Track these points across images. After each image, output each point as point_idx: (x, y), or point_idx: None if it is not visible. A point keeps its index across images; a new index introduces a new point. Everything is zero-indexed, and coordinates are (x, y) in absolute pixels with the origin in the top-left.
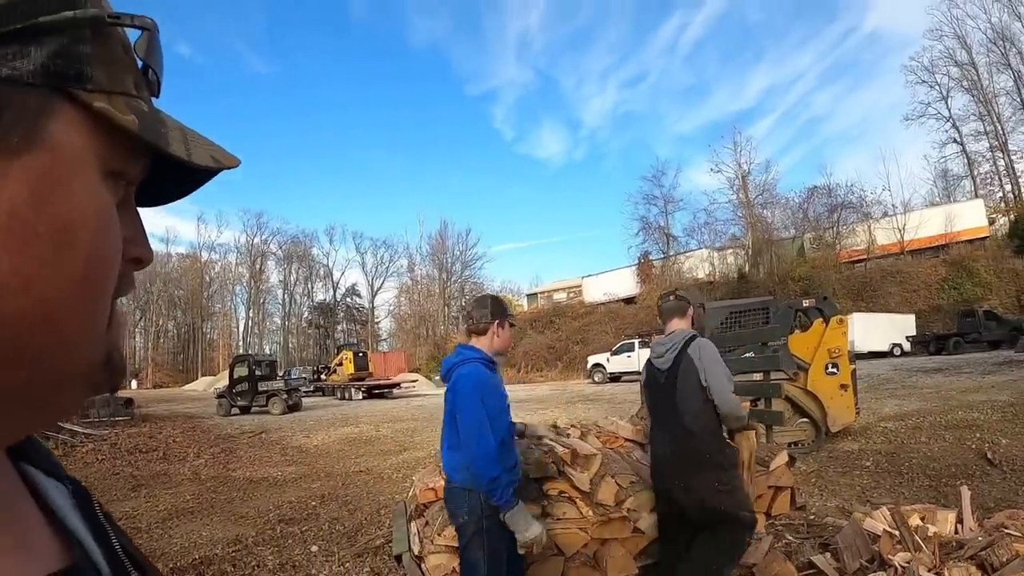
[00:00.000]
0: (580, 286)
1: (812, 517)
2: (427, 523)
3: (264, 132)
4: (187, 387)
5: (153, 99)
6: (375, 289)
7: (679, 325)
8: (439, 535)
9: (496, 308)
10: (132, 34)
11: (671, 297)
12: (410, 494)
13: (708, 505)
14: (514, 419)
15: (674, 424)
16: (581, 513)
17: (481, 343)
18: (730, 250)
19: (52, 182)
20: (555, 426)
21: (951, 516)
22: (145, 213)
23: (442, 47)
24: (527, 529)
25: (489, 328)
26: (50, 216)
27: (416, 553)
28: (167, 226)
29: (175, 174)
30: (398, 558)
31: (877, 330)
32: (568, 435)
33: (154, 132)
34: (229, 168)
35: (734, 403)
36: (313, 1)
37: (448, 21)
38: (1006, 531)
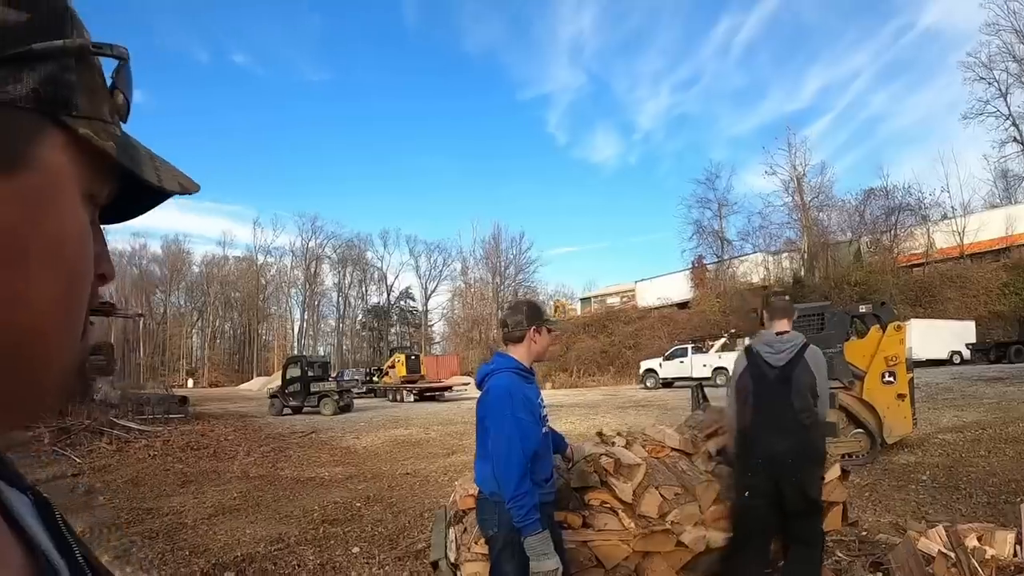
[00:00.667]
0: (633, 290)
1: (864, 533)
2: (465, 530)
3: (319, 138)
4: (242, 387)
5: (122, 124)
6: (428, 292)
7: (787, 327)
8: (476, 543)
9: (531, 314)
10: (107, 64)
11: (786, 297)
12: (451, 499)
13: (811, 496)
14: (564, 427)
15: (788, 418)
16: (623, 525)
17: (517, 351)
18: (785, 254)
19: (44, 202)
20: (600, 434)
21: (1010, 537)
22: (199, 215)
23: (495, 53)
24: (543, 559)
25: (525, 335)
26: (41, 234)
27: (452, 560)
28: (223, 229)
29: (136, 196)
30: (435, 564)
31: (935, 337)
32: (613, 443)
33: (130, 158)
34: (191, 193)
35: (830, 412)
36: (367, 10)
37: (500, 27)
38: None
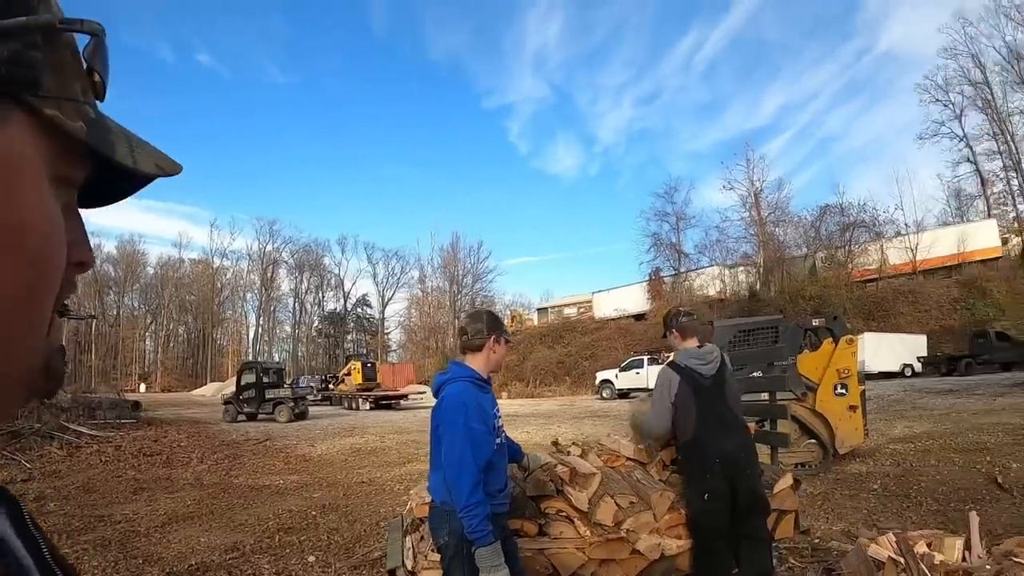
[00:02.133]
0: (590, 301)
1: (817, 541)
2: (422, 538)
3: (281, 141)
4: (195, 392)
5: (98, 103)
6: (386, 300)
7: (695, 343)
8: (432, 551)
9: (491, 323)
10: (81, 39)
11: (692, 315)
12: (407, 507)
13: (759, 493)
14: (520, 436)
15: (730, 419)
16: (579, 533)
17: (475, 361)
18: (741, 268)
19: (2, 187)
20: (555, 443)
21: (959, 543)
22: (154, 216)
23: (461, 62)
24: (493, 572)
25: (485, 344)
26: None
27: (409, 568)
28: (179, 231)
29: (115, 179)
30: (391, 572)
31: (888, 350)
32: (568, 453)
33: (101, 139)
34: (172, 175)
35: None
36: (335, 15)
37: (467, 36)
38: (1015, 559)
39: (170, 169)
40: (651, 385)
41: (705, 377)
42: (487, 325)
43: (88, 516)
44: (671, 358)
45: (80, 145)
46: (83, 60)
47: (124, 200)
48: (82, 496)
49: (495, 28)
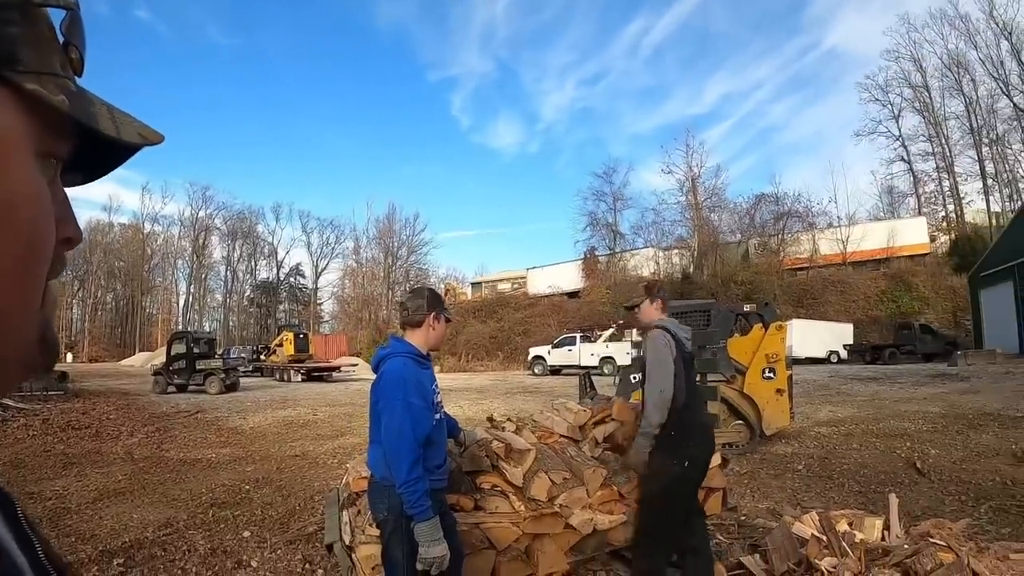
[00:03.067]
0: (525, 277)
1: (743, 518)
2: (359, 512)
3: (218, 103)
4: (124, 362)
5: (77, 77)
6: (319, 270)
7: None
8: (370, 526)
9: (432, 300)
10: (56, 14)
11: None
12: (343, 482)
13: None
14: (453, 411)
15: (702, 395)
16: (514, 508)
17: (415, 337)
18: (676, 250)
19: None
20: (490, 419)
21: (878, 523)
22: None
23: (408, 30)
24: (432, 546)
25: (424, 321)
26: None
27: (347, 543)
28: (110, 194)
29: (99, 151)
30: (329, 547)
31: (816, 337)
32: (503, 429)
33: (84, 111)
34: (155, 144)
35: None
36: None
37: (415, 5)
38: (931, 540)
39: (152, 138)
40: (583, 363)
41: (687, 349)
42: (427, 302)
43: (17, 493)
44: (658, 324)
45: (63, 118)
46: (59, 34)
47: (108, 175)
48: (9, 472)
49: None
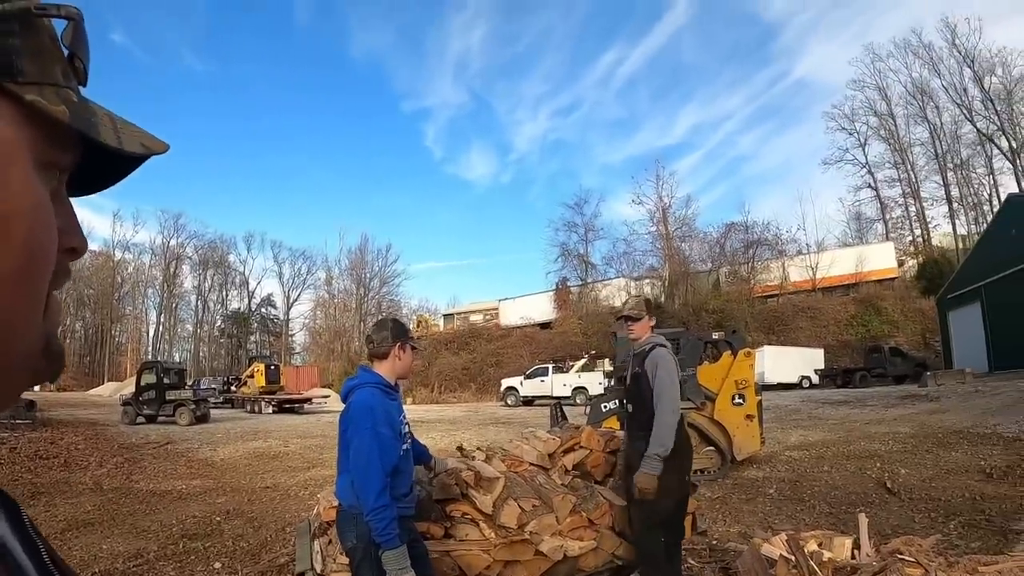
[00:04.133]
0: (497, 309)
1: (715, 542)
2: (330, 541)
3: (191, 130)
4: (92, 392)
5: (81, 88)
6: (291, 301)
7: None
8: (341, 555)
9: (397, 331)
10: (59, 23)
11: None
12: (315, 511)
13: None
14: (426, 442)
15: None
16: (484, 535)
17: (382, 368)
18: (647, 280)
19: None
20: (460, 448)
21: (848, 542)
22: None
23: (382, 61)
24: (400, 574)
25: (390, 352)
26: None
27: (318, 572)
28: (81, 220)
29: (104, 162)
30: None
31: (787, 362)
32: (473, 458)
33: (85, 121)
34: (159, 153)
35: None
36: (258, 2)
37: (390, 36)
38: (900, 556)
39: (156, 148)
40: (556, 393)
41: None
42: (392, 333)
43: None
44: (658, 342)
45: (64, 129)
46: (62, 45)
47: (116, 185)
48: None
49: (418, 30)
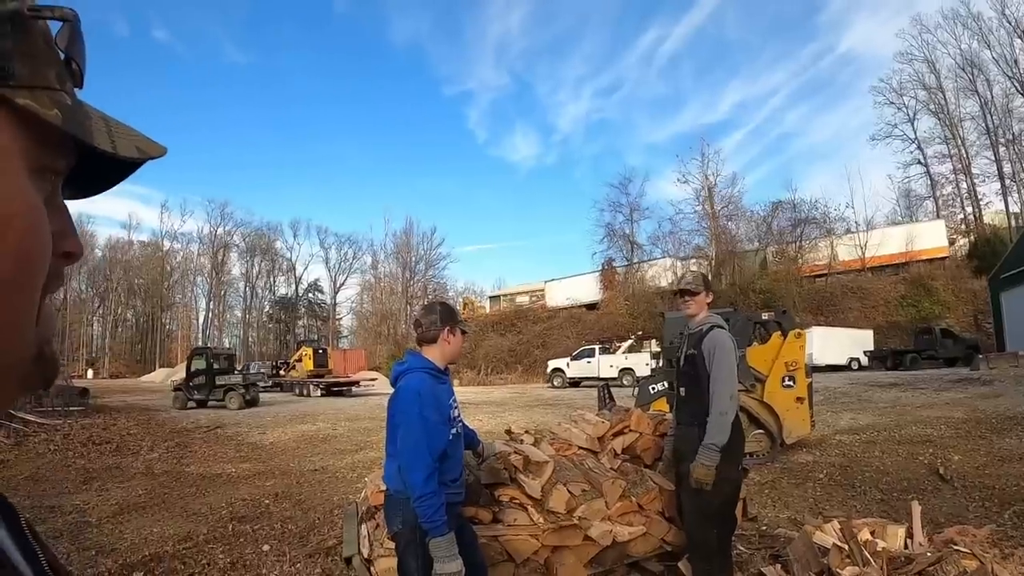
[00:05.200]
0: (543, 290)
1: (764, 528)
2: (377, 525)
3: (235, 121)
4: (144, 378)
5: (77, 90)
6: (338, 285)
7: None
8: (388, 539)
9: (445, 314)
10: (54, 25)
11: None
12: (362, 495)
13: None
14: (472, 424)
15: None
16: (532, 520)
17: (431, 352)
18: (693, 260)
19: None
20: (509, 431)
21: (901, 531)
22: (105, 197)
23: (422, 46)
24: (447, 562)
25: (439, 336)
26: None
27: (366, 556)
28: (130, 212)
29: (100, 166)
30: (348, 560)
31: (836, 344)
32: (522, 441)
33: (78, 125)
34: (155, 157)
35: None
36: None
37: (429, 21)
38: (955, 547)
39: (152, 152)
40: (602, 374)
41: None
42: (440, 316)
43: (38, 507)
44: (716, 323)
45: (57, 133)
46: (57, 47)
47: (114, 188)
48: (31, 486)
49: (458, 14)
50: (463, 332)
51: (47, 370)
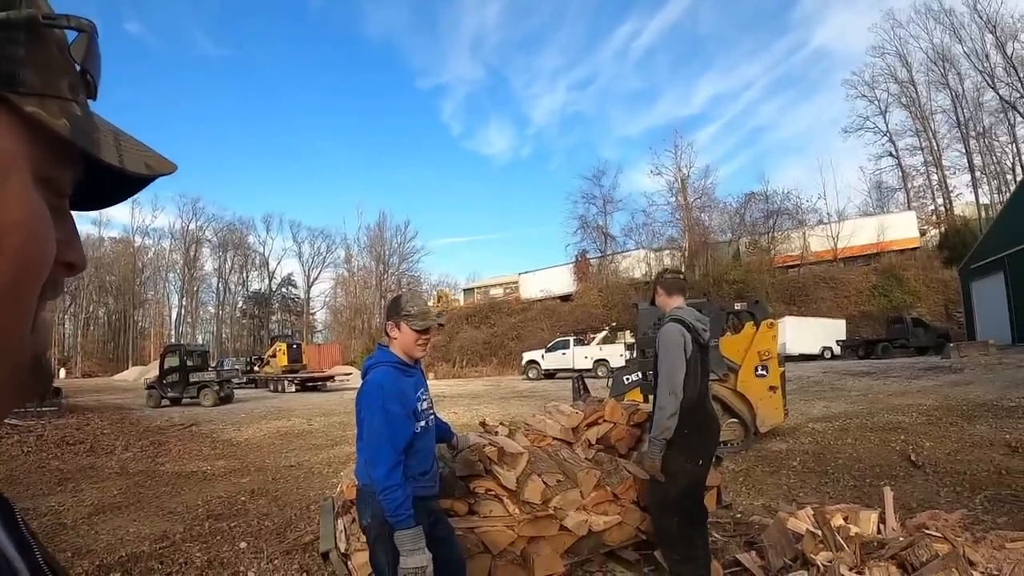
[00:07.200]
0: (517, 282)
1: (739, 516)
2: (353, 520)
3: (207, 115)
4: (117, 377)
5: (90, 101)
6: (311, 280)
7: (682, 303)
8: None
9: (390, 309)
10: (71, 34)
11: (679, 275)
12: (338, 490)
13: None
14: (447, 417)
15: (708, 386)
16: (508, 511)
17: (393, 345)
18: (667, 251)
19: None
20: (483, 423)
21: (873, 516)
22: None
23: (397, 39)
24: (411, 555)
25: (386, 329)
26: None
27: (343, 550)
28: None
29: (110, 179)
30: (325, 555)
31: (808, 333)
32: (496, 433)
33: (86, 137)
34: (164, 175)
35: None
36: None
37: (405, 13)
38: (926, 531)
39: (161, 168)
40: (577, 365)
41: (703, 339)
42: (388, 311)
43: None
44: (673, 316)
45: (66, 144)
46: (71, 57)
47: (123, 202)
48: (5, 489)
49: (433, 7)
50: (416, 327)
51: (42, 380)
